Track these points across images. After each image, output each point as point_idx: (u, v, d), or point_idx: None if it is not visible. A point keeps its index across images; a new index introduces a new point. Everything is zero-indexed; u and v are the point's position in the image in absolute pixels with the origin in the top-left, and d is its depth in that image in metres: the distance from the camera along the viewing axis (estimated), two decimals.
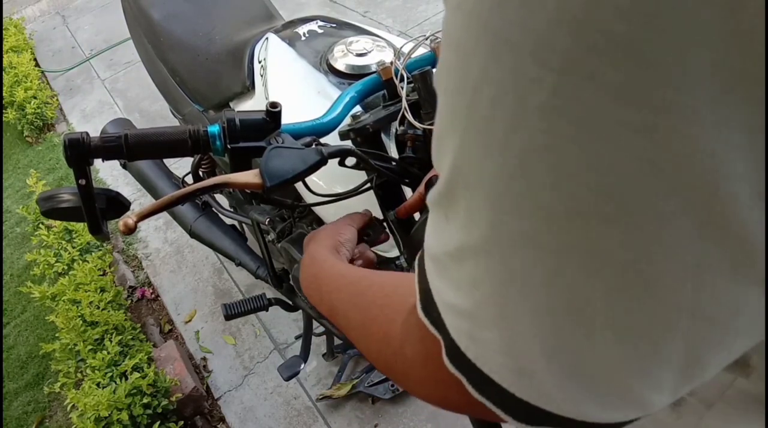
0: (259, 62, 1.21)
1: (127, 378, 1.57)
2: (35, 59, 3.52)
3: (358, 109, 0.87)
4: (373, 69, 0.99)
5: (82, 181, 0.65)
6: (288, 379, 1.42)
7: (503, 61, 0.20)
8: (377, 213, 0.77)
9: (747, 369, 0.29)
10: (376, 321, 0.40)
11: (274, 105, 0.67)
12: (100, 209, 0.68)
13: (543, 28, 0.19)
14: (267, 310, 1.28)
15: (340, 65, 1.03)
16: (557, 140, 0.20)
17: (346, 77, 1.02)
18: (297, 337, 1.73)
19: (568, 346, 0.24)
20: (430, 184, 0.71)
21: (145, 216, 0.59)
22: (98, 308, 1.81)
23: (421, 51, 0.84)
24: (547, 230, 0.22)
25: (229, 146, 0.67)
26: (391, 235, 0.83)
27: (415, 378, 0.34)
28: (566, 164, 0.20)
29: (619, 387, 0.24)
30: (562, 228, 0.21)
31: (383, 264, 1.02)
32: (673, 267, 0.21)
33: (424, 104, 0.78)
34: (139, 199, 2.34)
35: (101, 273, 2.04)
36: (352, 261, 0.61)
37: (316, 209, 1.05)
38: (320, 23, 1.20)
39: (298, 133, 0.75)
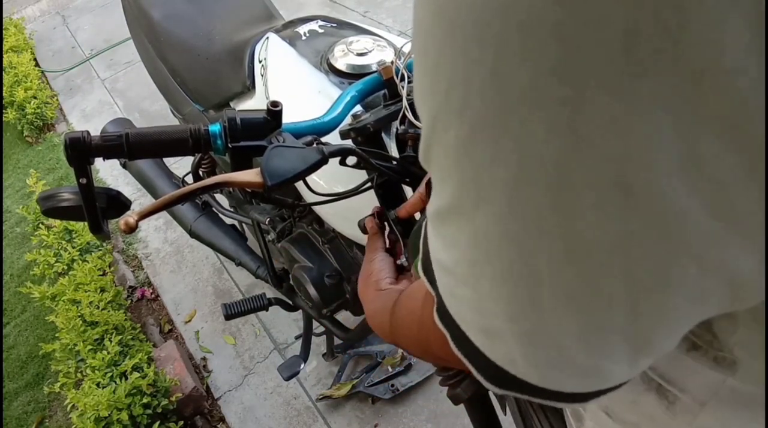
0: (260, 62, 1.21)
1: (127, 378, 1.57)
2: (35, 59, 3.52)
3: (358, 108, 0.87)
4: (374, 68, 0.99)
5: (83, 180, 0.64)
6: (288, 379, 1.42)
7: (454, 42, 0.22)
8: None
9: (733, 366, 0.30)
10: (424, 326, 0.39)
11: (275, 104, 0.67)
12: (100, 208, 0.68)
13: (479, 9, 0.20)
14: (267, 310, 1.28)
15: (340, 65, 1.03)
16: (499, 114, 0.21)
17: (346, 77, 1.02)
18: (297, 337, 1.73)
19: (524, 311, 0.25)
20: (430, 185, 0.71)
21: (145, 215, 0.59)
22: (98, 308, 1.81)
23: None
24: (498, 196, 0.23)
25: (229, 145, 0.67)
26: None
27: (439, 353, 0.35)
28: (509, 135, 0.21)
29: (573, 354, 0.25)
30: (511, 195, 0.23)
31: None
32: (605, 236, 0.22)
33: None
34: (139, 198, 2.33)
35: (101, 273, 2.04)
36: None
37: (317, 209, 1.05)
38: (320, 23, 1.20)
39: (298, 133, 0.75)
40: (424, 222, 0.33)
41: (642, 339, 0.25)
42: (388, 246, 0.66)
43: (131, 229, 0.56)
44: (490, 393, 0.92)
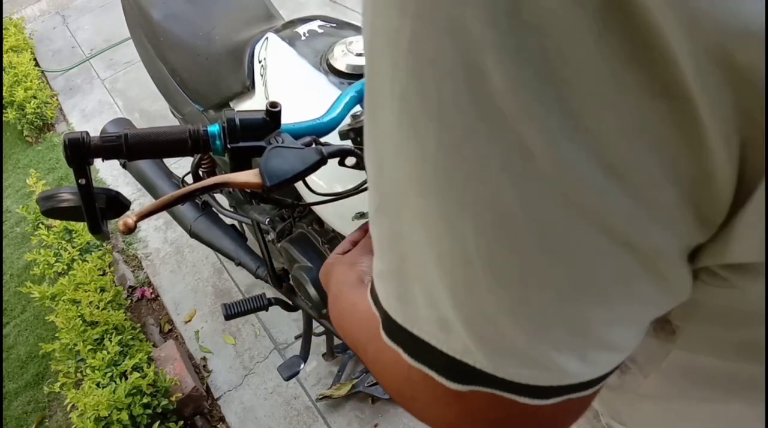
0: (259, 62, 1.21)
1: (126, 378, 1.57)
2: (35, 59, 3.52)
3: (358, 108, 0.87)
4: None
5: (82, 181, 0.64)
6: (288, 379, 1.42)
7: (382, 18, 0.22)
8: None
9: (672, 335, 0.31)
10: (387, 349, 0.40)
11: (273, 105, 0.67)
12: (100, 209, 0.68)
13: None
14: (267, 310, 1.28)
15: (340, 65, 1.03)
16: (420, 83, 0.21)
17: (346, 77, 1.02)
18: (297, 337, 1.73)
19: (465, 295, 0.24)
20: None
21: (144, 215, 0.59)
22: (98, 308, 1.81)
23: None
24: (427, 175, 0.23)
25: (228, 146, 0.66)
26: None
27: (423, 401, 0.32)
28: (431, 110, 0.21)
29: (513, 338, 0.24)
30: (440, 173, 0.22)
31: None
32: (514, 205, 0.21)
33: None
34: (139, 198, 2.34)
35: (101, 273, 2.04)
36: None
37: (316, 209, 1.05)
38: (320, 23, 1.20)
39: (298, 133, 0.75)
40: None
41: (578, 325, 0.24)
42: None
43: (130, 230, 0.56)
44: None
